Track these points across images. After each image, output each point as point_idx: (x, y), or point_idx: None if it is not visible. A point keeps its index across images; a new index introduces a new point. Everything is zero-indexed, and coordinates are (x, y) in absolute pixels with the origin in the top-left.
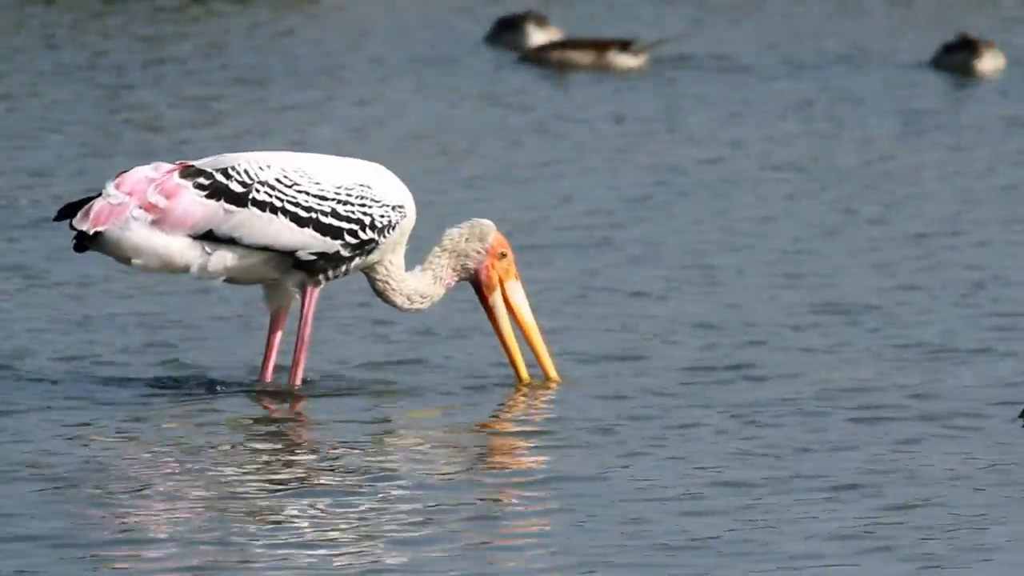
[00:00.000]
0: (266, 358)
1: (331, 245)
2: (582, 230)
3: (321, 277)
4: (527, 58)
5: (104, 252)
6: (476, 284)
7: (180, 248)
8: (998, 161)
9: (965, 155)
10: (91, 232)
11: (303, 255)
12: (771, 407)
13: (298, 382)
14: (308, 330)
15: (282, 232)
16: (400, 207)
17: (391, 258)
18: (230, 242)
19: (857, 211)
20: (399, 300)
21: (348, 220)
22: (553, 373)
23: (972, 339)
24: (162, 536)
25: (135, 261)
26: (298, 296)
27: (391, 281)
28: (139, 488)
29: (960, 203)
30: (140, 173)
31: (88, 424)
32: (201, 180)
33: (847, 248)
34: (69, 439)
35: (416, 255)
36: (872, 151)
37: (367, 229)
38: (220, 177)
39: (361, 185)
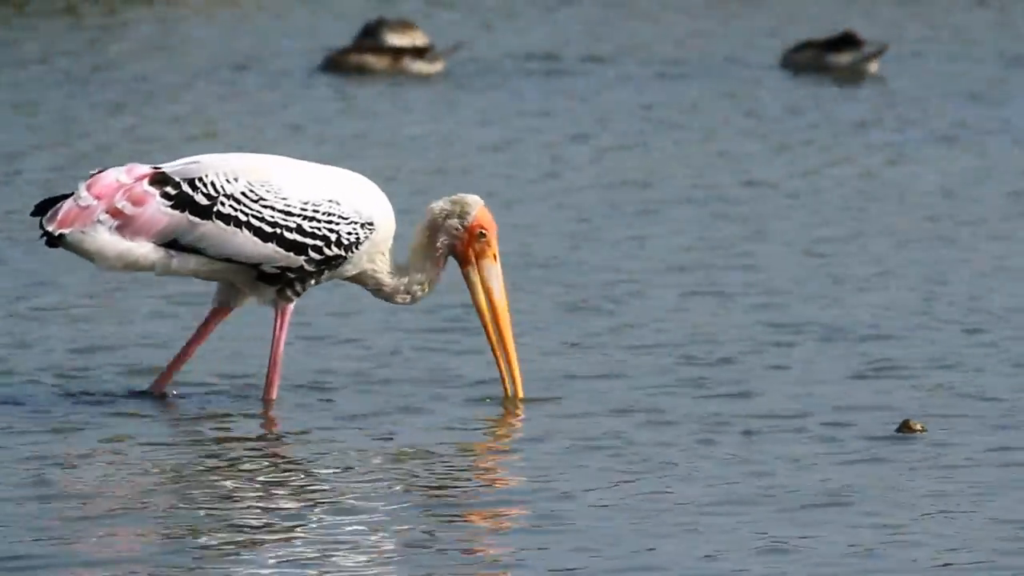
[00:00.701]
0: (173, 363)
1: (295, 260)
2: None
3: (289, 292)
4: (330, 65)
5: (70, 251)
6: (455, 257)
7: (144, 252)
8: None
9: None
10: (56, 233)
11: (267, 268)
12: (751, 422)
13: (273, 397)
14: (280, 350)
15: (245, 245)
16: (369, 224)
17: (374, 266)
18: (194, 251)
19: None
20: (400, 299)
21: (313, 236)
22: (513, 360)
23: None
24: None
25: (98, 263)
26: (271, 313)
27: (383, 287)
28: (92, 509)
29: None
30: (112, 176)
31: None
32: (168, 189)
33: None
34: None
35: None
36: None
37: (332, 246)
38: (187, 188)
39: (330, 201)
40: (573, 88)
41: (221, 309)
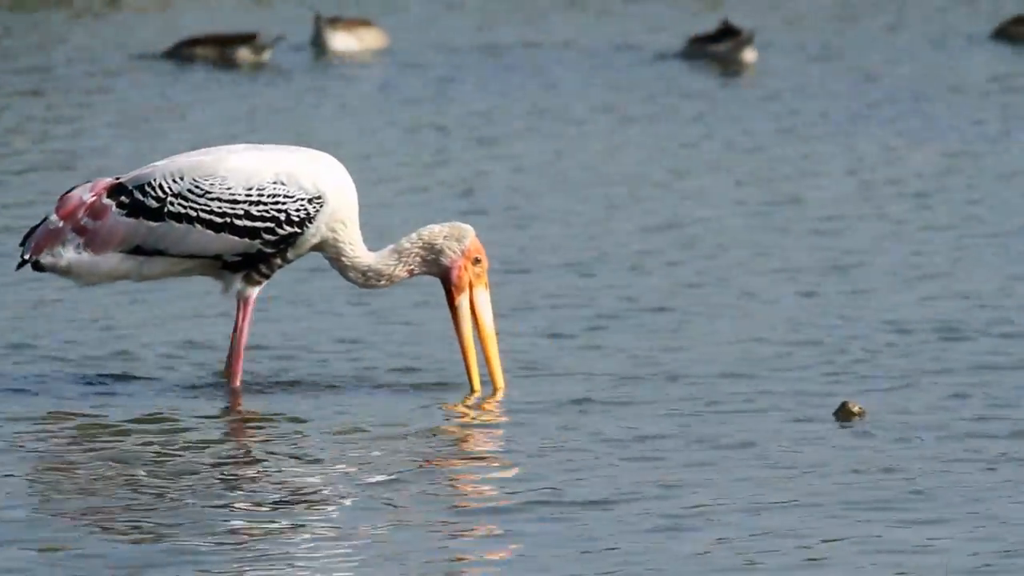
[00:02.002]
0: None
1: (250, 246)
2: None
3: (256, 276)
4: (171, 54)
5: (50, 273)
6: (446, 284)
7: (114, 264)
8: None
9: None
10: (32, 259)
11: (228, 258)
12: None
13: (237, 385)
14: (244, 339)
15: (201, 240)
16: (317, 198)
17: (337, 236)
18: (158, 253)
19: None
20: (353, 275)
21: (263, 219)
22: (500, 382)
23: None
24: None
25: (76, 280)
26: (236, 301)
27: (343, 258)
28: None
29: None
30: (76, 195)
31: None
32: (123, 199)
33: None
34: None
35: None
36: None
37: (284, 225)
38: (138, 194)
39: (274, 183)
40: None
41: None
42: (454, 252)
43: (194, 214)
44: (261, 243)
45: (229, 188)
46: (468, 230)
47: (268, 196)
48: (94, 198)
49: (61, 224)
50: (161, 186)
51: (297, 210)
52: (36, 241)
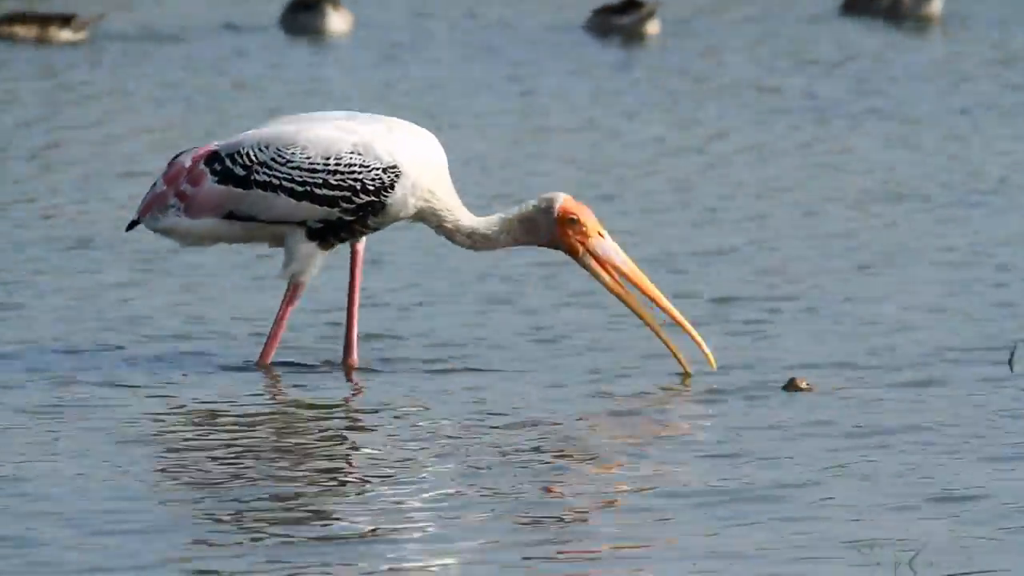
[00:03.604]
0: (348, 337)
1: (331, 213)
2: None
3: (333, 239)
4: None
5: (150, 230)
6: (567, 253)
7: (211, 226)
8: None
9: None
10: (139, 219)
11: (312, 224)
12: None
13: (268, 362)
14: (286, 317)
15: (287, 207)
16: (392, 167)
17: (432, 205)
18: (250, 219)
19: None
20: (460, 239)
21: (340, 188)
22: (677, 315)
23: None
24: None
25: (178, 241)
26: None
27: (445, 224)
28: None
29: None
30: (180, 161)
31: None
32: (215, 166)
33: None
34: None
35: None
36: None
37: (360, 194)
38: (228, 162)
39: (351, 152)
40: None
41: (353, 252)
42: (549, 223)
43: (277, 182)
44: (340, 211)
45: (308, 157)
46: (552, 198)
47: (344, 165)
48: (194, 164)
49: (165, 188)
50: (248, 153)
51: (373, 179)
52: (144, 204)
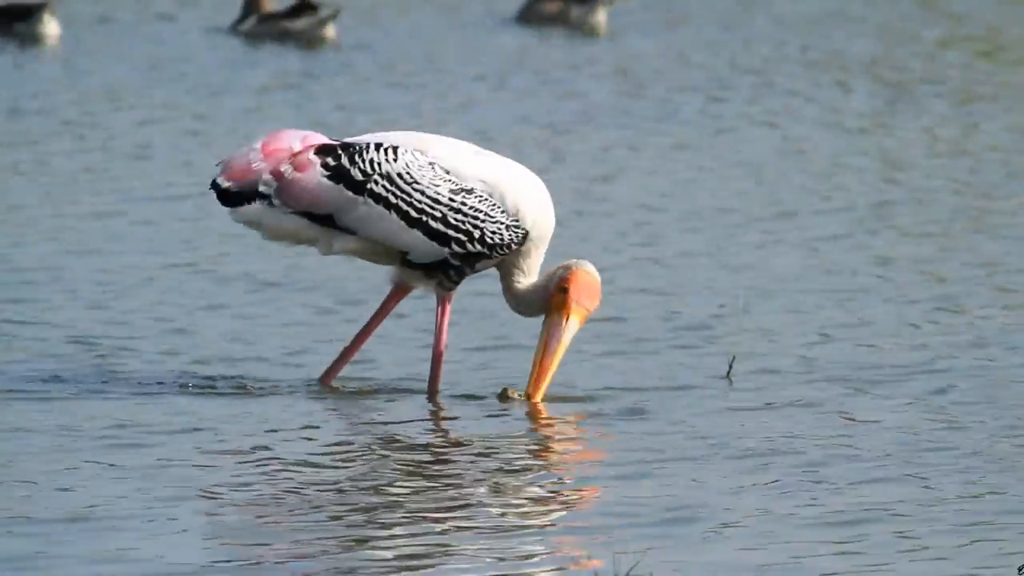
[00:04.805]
0: (344, 355)
1: (439, 252)
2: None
3: (445, 281)
4: None
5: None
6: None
7: (301, 226)
8: None
9: None
10: (223, 185)
11: (413, 259)
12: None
13: (438, 390)
14: (444, 340)
15: (391, 229)
16: (515, 226)
17: (520, 264)
18: (346, 230)
19: None
20: (510, 303)
21: (457, 230)
22: (539, 394)
23: None
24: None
25: (257, 229)
26: (433, 298)
27: (513, 287)
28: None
29: None
30: (285, 140)
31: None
32: (329, 160)
33: None
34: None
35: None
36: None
37: (474, 243)
38: (345, 161)
39: (482, 195)
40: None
41: (399, 290)
42: (555, 282)
43: (394, 201)
44: (449, 253)
45: (437, 186)
46: (572, 265)
47: (470, 208)
48: (303, 150)
49: (262, 162)
50: (372, 160)
51: (493, 232)
52: (232, 166)
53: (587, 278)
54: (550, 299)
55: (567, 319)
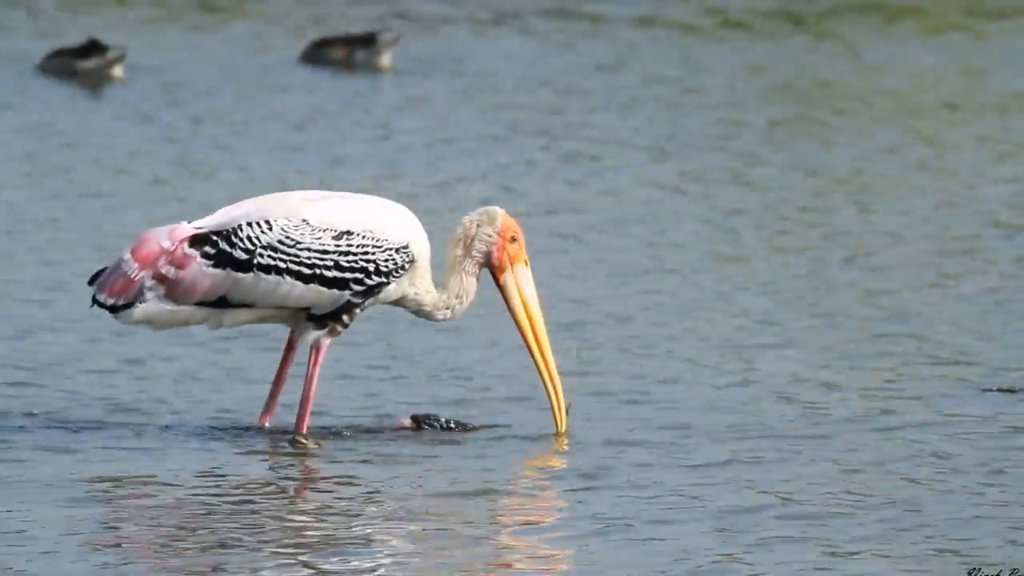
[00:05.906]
0: (271, 398)
1: (340, 297)
2: None
3: (338, 327)
4: None
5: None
6: (490, 267)
7: (192, 312)
8: None
9: None
10: (109, 304)
11: (316, 311)
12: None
13: (304, 431)
14: (314, 386)
15: (292, 291)
16: (404, 247)
17: (415, 288)
18: (242, 305)
19: None
20: (440, 315)
21: (352, 270)
22: (551, 362)
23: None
24: None
25: (152, 326)
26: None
27: (423, 306)
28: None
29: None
30: (154, 242)
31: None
32: (207, 249)
33: None
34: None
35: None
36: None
37: (372, 275)
38: (224, 245)
39: (362, 233)
40: None
41: (294, 336)
42: (490, 236)
43: (284, 265)
44: (351, 294)
45: (319, 237)
46: (496, 211)
47: (357, 246)
48: (175, 247)
49: (139, 271)
50: (250, 236)
51: (386, 260)
52: (110, 285)
53: (511, 218)
54: (498, 256)
55: (527, 264)
